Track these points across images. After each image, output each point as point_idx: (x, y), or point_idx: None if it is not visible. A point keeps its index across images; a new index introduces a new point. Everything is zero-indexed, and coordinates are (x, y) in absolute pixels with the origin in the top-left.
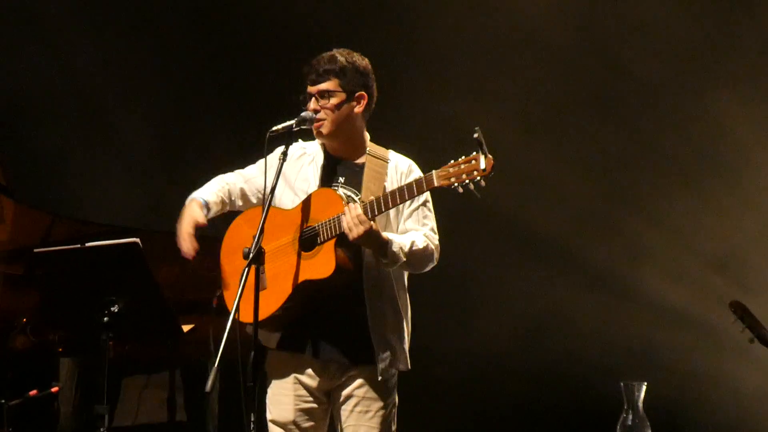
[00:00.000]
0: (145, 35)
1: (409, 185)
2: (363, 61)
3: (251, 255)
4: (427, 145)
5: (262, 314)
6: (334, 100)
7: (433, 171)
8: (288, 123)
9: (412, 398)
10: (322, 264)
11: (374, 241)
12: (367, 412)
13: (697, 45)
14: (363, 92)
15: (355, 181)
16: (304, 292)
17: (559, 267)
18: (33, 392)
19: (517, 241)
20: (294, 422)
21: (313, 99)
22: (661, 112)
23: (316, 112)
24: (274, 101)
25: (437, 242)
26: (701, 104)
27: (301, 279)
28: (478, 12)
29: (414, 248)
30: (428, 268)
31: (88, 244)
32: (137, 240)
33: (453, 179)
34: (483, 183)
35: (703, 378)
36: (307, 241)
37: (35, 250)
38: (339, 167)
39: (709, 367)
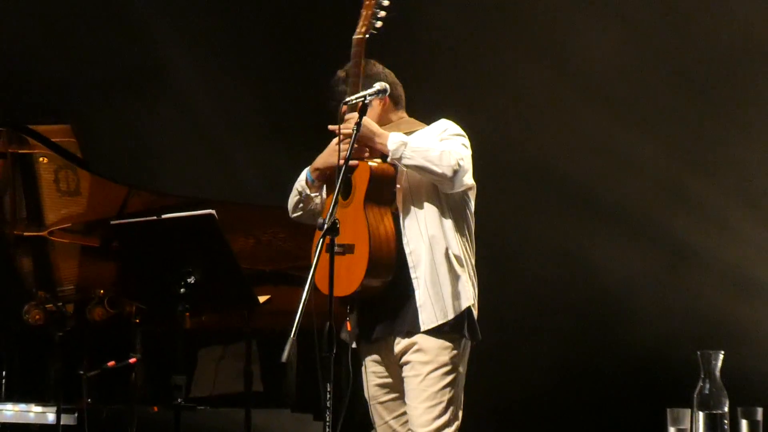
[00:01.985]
0: (221, 10)
1: (355, 61)
2: (367, 67)
3: (326, 226)
4: (493, 111)
5: (359, 279)
6: None
7: (353, 37)
8: (362, 93)
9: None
10: (360, 176)
11: (371, 130)
12: (417, 375)
13: None
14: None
15: None
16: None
17: (634, 237)
18: (111, 363)
19: (590, 210)
20: (373, 397)
21: None
22: (740, 80)
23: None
24: None
25: (459, 157)
26: None
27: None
28: None
29: (419, 143)
30: (447, 171)
31: (164, 216)
32: (213, 211)
33: (368, 21)
34: (386, 2)
35: None
36: (345, 187)
37: (112, 222)
38: None
39: None
